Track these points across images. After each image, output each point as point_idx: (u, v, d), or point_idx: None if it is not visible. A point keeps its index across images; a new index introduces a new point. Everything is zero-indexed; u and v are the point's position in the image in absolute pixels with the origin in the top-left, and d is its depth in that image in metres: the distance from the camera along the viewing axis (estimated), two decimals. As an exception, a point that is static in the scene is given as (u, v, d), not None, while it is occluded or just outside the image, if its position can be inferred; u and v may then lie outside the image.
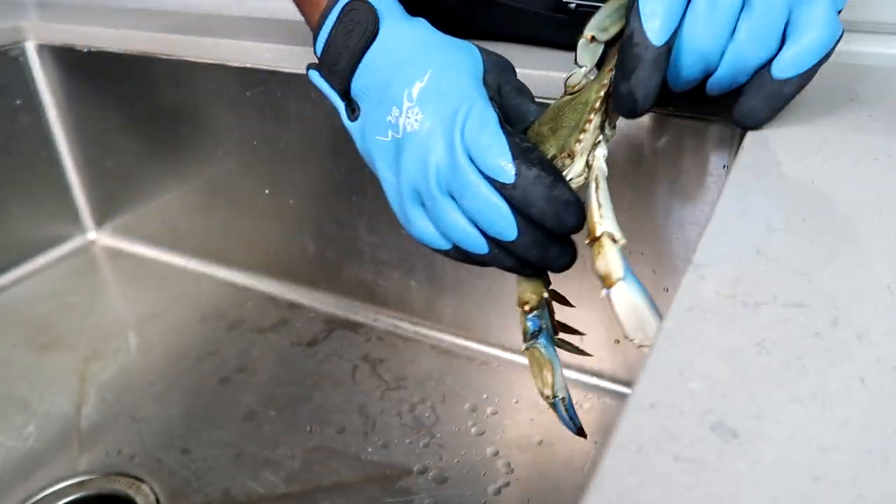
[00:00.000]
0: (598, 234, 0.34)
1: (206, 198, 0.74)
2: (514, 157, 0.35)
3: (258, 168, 0.69)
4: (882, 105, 0.39)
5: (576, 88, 0.39)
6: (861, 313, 0.23)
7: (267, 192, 0.69)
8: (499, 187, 0.35)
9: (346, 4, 0.41)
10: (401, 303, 0.68)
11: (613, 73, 0.36)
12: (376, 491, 0.51)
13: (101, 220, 0.84)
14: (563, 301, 0.45)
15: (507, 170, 0.35)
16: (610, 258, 0.33)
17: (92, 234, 0.85)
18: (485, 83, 0.39)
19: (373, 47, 0.40)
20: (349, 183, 0.64)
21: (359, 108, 0.42)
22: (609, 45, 0.38)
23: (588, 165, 0.37)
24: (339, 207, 0.66)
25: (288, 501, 0.51)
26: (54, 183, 0.81)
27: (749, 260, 0.26)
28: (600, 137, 0.38)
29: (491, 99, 0.38)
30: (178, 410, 0.59)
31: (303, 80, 0.61)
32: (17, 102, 0.76)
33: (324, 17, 0.42)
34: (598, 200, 0.35)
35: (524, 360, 0.62)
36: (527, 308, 0.42)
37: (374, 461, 0.54)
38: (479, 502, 0.50)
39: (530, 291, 0.41)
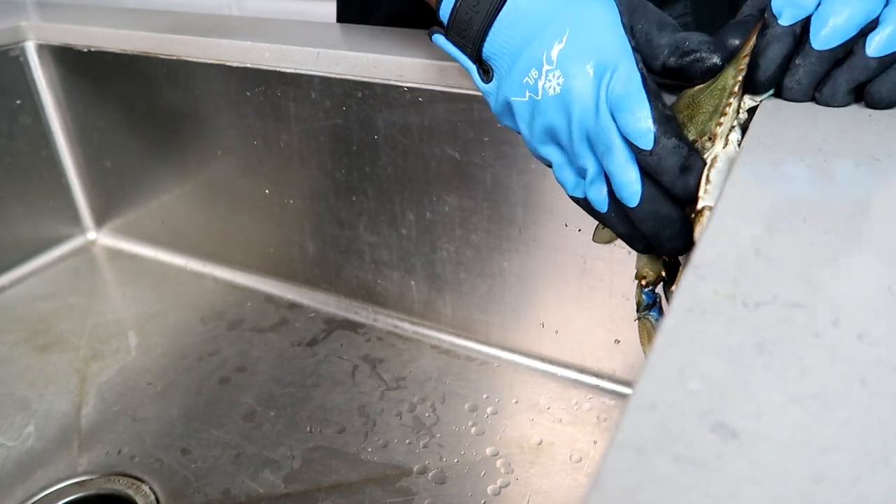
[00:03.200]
0: (699, 207, 0.35)
1: (206, 198, 0.74)
2: (656, 124, 0.36)
3: (258, 168, 0.69)
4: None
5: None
6: (861, 313, 0.23)
7: (267, 192, 0.69)
8: (636, 151, 0.37)
9: None
10: (401, 303, 0.68)
11: (748, 58, 0.37)
12: (376, 491, 0.51)
13: (101, 220, 0.84)
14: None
15: (648, 136, 0.36)
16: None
17: (92, 234, 0.85)
18: (625, 28, 0.38)
19: (504, 9, 0.40)
20: (349, 183, 0.64)
21: (492, 70, 0.42)
22: (743, 35, 0.39)
23: (725, 146, 0.38)
24: (339, 207, 0.66)
25: (288, 501, 0.51)
26: (54, 183, 0.81)
27: (749, 260, 0.26)
28: (735, 122, 0.39)
29: (634, 50, 0.38)
30: (178, 410, 0.59)
31: (303, 79, 0.61)
32: (17, 102, 0.76)
33: None
34: (707, 176, 0.36)
35: (524, 361, 0.63)
36: (644, 283, 0.44)
37: (374, 461, 0.54)
38: (479, 502, 0.50)
39: (649, 268, 0.43)
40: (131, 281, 0.78)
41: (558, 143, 0.41)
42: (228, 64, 0.64)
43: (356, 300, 0.70)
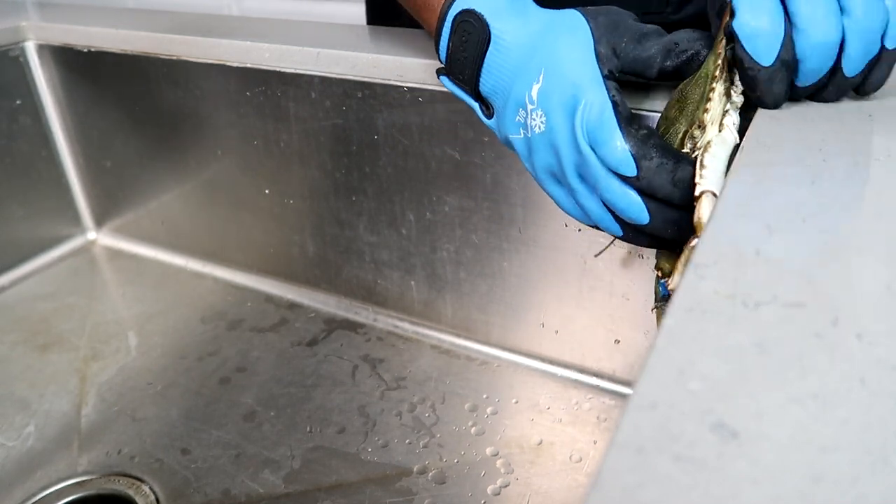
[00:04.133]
0: (696, 193, 0.36)
1: (206, 198, 0.74)
2: (633, 150, 0.37)
3: (258, 168, 0.69)
4: (882, 105, 0.39)
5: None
6: (861, 313, 0.23)
7: (267, 192, 0.69)
8: (624, 179, 0.37)
9: (456, 17, 0.43)
10: (401, 303, 0.68)
11: (724, 40, 0.37)
12: (376, 491, 0.51)
13: (101, 220, 0.84)
14: None
15: (628, 163, 0.37)
16: (703, 212, 0.35)
17: (92, 234, 0.85)
18: (598, 57, 0.39)
19: (489, 52, 0.42)
20: (349, 183, 0.64)
21: (492, 106, 0.44)
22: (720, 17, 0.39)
23: (720, 131, 0.38)
24: (339, 207, 0.66)
25: (288, 501, 0.51)
26: (54, 183, 0.81)
27: (749, 260, 0.26)
28: (728, 105, 0.38)
29: (607, 76, 0.38)
30: (178, 410, 0.59)
31: (303, 79, 0.61)
32: (17, 102, 0.76)
33: (439, 30, 0.44)
34: (701, 161, 0.36)
35: (524, 361, 0.63)
36: (660, 274, 0.44)
37: (374, 461, 0.54)
38: (479, 502, 0.50)
39: (665, 260, 0.44)
40: (131, 281, 0.78)
41: (557, 180, 0.42)
42: (228, 64, 0.64)
43: (356, 300, 0.70)
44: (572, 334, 0.60)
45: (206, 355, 0.66)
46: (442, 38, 0.44)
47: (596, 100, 0.37)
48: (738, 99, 0.39)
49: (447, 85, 0.46)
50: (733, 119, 0.39)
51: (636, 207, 0.37)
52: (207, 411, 0.59)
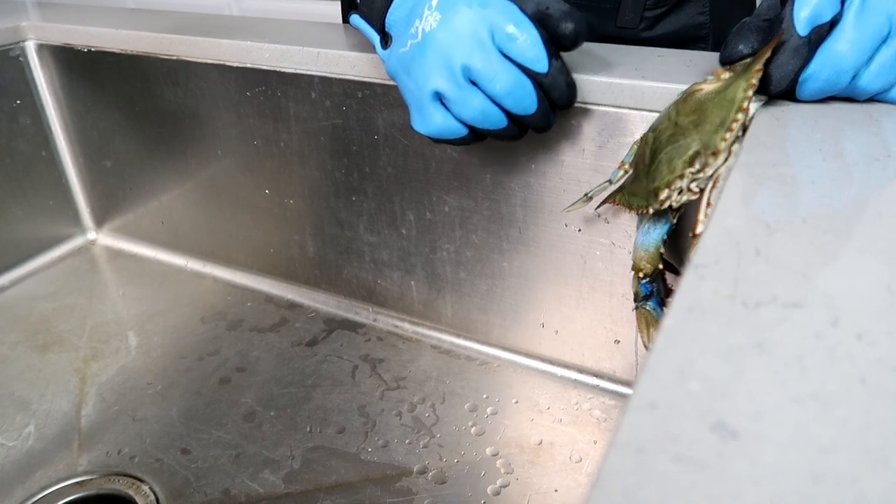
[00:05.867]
0: (697, 231, 0.37)
1: (206, 198, 0.74)
2: (546, 48, 0.40)
3: (258, 168, 0.69)
4: (882, 105, 0.39)
5: (722, 77, 0.40)
6: (861, 313, 0.23)
7: (267, 192, 0.69)
8: (532, 75, 0.41)
9: None
10: (401, 303, 0.68)
11: (762, 72, 0.37)
12: (376, 491, 0.51)
13: (101, 220, 0.84)
14: (675, 271, 0.49)
15: (542, 60, 0.40)
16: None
17: (92, 234, 0.85)
18: None
19: None
20: (349, 183, 0.64)
21: (391, 38, 0.46)
22: (754, 43, 0.39)
23: (726, 160, 0.39)
24: (339, 207, 0.66)
25: (288, 501, 0.51)
26: (54, 183, 0.81)
27: (749, 260, 0.26)
28: (741, 132, 0.39)
29: None
30: (178, 410, 0.59)
31: (303, 79, 0.61)
32: (17, 102, 0.76)
33: None
34: (708, 199, 0.38)
35: (524, 361, 0.63)
36: (641, 275, 0.46)
37: (374, 461, 0.54)
38: (479, 502, 0.50)
39: (646, 261, 0.45)
40: (131, 281, 0.78)
41: (436, 94, 0.43)
42: (228, 64, 0.64)
43: (356, 300, 0.70)
44: (572, 334, 0.60)
45: (206, 355, 0.66)
46: None
47: (502, 4, 0.40)
48: (749, 125, 0.39)
49: (355, 22, 0.48)
50: (738, 146, 0.39)
51: (530, 97, 0.41)
52: (207, 411, 0.59)
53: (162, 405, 0.60)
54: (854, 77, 0.37)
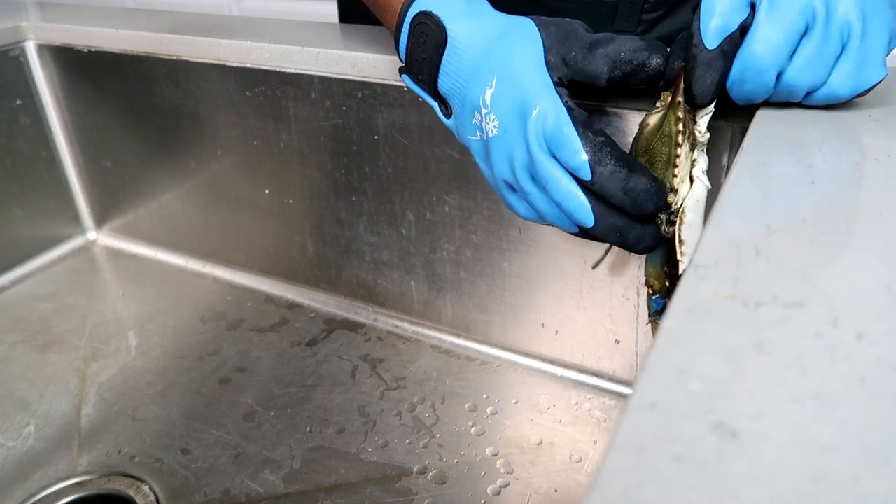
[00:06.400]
0: (680, 271, 0.37)
1: (206, 198, 0.74)
2: (589, 155, 0.37)
3: (258, 168, 0.69)
4: (882, 105, 0.39)
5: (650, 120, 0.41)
6: (861, 313, 0.23)
7: (267, 192, 0.69)
8: (579, 182, 0.38)
9: (414, 18, 0.44)
10: (401, 303, 0.68)
11: (681, 99, 0.38)
12: (376, 491, 0.51)
13: (101, 220, 0.84)
14: None
15: (584, 168, 0.38)
16: None
17: (92, 234, 0.85)
18: (548, 65, 0.40)
19: (445, 54, 0.43)
20: (349, 183, 0.64)
21: (450, 107, 0.45)
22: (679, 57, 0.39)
23: (691, 182, 0.39)
24: (339, 207, 0.66)
25: (288, 501, 0.51)
26: (54, 183, 0.81)
27: (749, 260, 0.26)
28: (694, 155, 0.39)
29: (558, 83, 0.39)
30: (178, 410, 0.59)
31: (303, 79, 0.61)
32: (17, 102, 0.76)
33: (398, 31, 0.45)
34: (679, 237, 0.38)
35: (524, 361, 0.63)
36: (650, 291, 0.46)
37: (374, 461, 0.54)
38: (479, 502, 0.50)
39: (654, 277, 0.45)
40: (131, 281, 0.78)
41: (510, 185, 0.43)
42: (228, 64, 0.64)
43: (356, 300, 0.70)
44: (572, 334, 0.60)
45: (206, 355, 0.66)
46: (401, 38, 0.45)
47: (550, 106, 0.38)
48: (703, 139, 0.39)
49: (408, 83, 0.47)
50: (702, 165, 0.39)
51: (583, 210, 0.39)
52: (207, 411, 0.59)
53: (162, 405, 0.60)
54: (780, 75, 0.36)
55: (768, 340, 0.22)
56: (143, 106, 0.72)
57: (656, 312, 0.46)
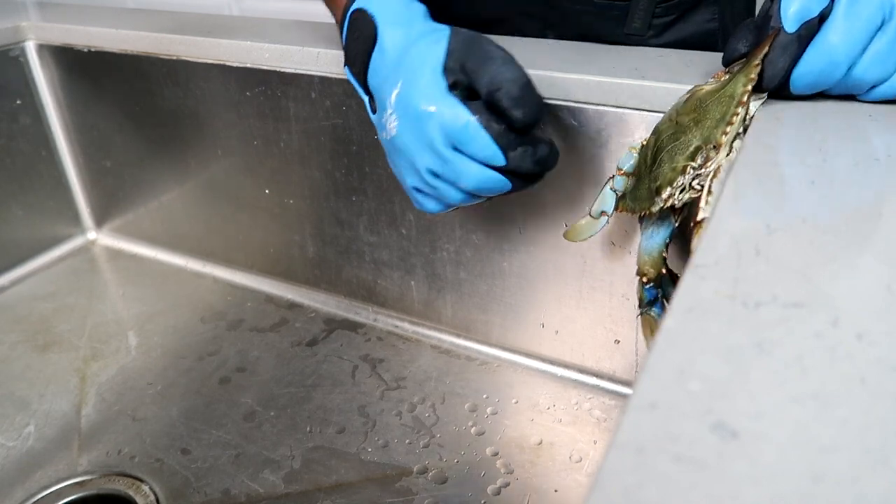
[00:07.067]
0: (698, 219, 0.37)
1: (206, 198, 0.74)
2: (499, 143, 0.40)
3: (258, 168, 0.69)
4: (882, 105, 0.39)
5: (722, 79, 0.41)
6: (861, 313, 0.23)
7: (267, 192, 0.69)
8: (492, 167, 0.41)
9: (352, 14, 0.46)
10: (401, 303, 0.68)
11: (759, 67, 0.38)
12: (376, 491, 0.51)
13: (101, 220, 0.84)
14: (677, 278, 0.49)
15: (497, 156, 0.40)
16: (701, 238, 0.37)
17: (92, 234, 0.85)
18: (445, 70, 0.41)
19: (374, 53, 0.45)
20: (349, 183, 0.64)
21: (375, 104, 0.47)
22: (759, 40, 0.39)
23: (728, 154, 0.39)
24: (339, 207, 0.66)
25: (288, 501, 0.51)
26: (54, 183, 0.81)
27: (749, 260, 0.26)
28: (741, 129, 0.39)
29: (453, 86, 0.41)
30: (178, 410, 0.59)
31: (303, 79, 0.61)
32: (17, 102, 0.76)
33: (340, 25, 0.48)
34: (709, 188, 0.38)
35: (524, 361, 0.63)
36: (644, 279, 0.45)
37: (374, 461, 0.54)
38: (479, 502, 0.50)
39: (649, 266, 0.45)
40: (131, 281, 0.78)
41: (416, 187, 0.45)
42: (228, 64, 0.64)
43: (356, 300, 0.70)
44: (572, 334, 0.60)
45: (206, 355, 0.66)
46: (343, 33, 0.47)
47: (445, 106, 0.40)
48: (749, 121, 0.39)
49: (348, 76, 0.49)
50: (740, 143, 0.39)
51: (500, 183, 0.41)
52: (207, 411, 0.59)
53: (162, 405, 0.60)
54: (850, 68, 0.36)
55: (768, 340, 0.22)
56: (142, 106, 0.72)
57: (648, 303, 0.46)
